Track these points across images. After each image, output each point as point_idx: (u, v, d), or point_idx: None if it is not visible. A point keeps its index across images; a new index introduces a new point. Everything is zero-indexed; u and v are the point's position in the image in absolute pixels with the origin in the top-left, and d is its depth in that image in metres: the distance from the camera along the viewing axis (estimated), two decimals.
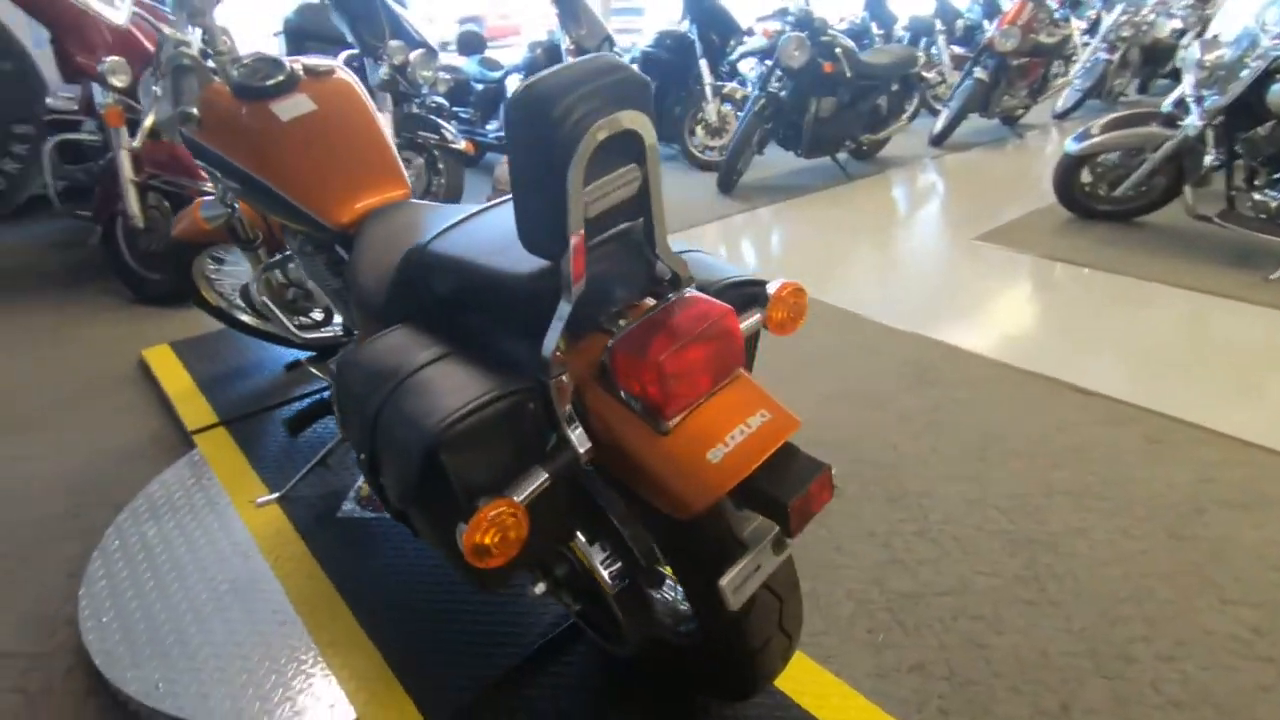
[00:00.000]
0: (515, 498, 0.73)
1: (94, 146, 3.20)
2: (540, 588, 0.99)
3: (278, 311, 1.74)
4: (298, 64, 1.34)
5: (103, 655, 1.29)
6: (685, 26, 4.92)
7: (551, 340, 0.75)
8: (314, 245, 1.38)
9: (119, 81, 2.66)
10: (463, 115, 5.03)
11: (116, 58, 2.65)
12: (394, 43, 3.51)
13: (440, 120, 3.67)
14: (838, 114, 4.44)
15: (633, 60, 5.27)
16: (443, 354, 0.83)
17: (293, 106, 1.28)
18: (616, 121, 0.69)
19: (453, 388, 0.77)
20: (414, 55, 3.58)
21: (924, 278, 3.13)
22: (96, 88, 2.72)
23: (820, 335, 2.58)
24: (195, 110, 1.25)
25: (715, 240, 3.71)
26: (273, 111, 1.26)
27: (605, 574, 0.86)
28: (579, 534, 0.88)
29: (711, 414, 0.77)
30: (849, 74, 4.26)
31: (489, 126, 4.89)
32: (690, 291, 0.82)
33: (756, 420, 0.77)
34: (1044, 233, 3.60)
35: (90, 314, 2.86)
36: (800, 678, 1.25)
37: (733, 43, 4.93)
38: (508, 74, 4.78)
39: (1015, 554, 1.57)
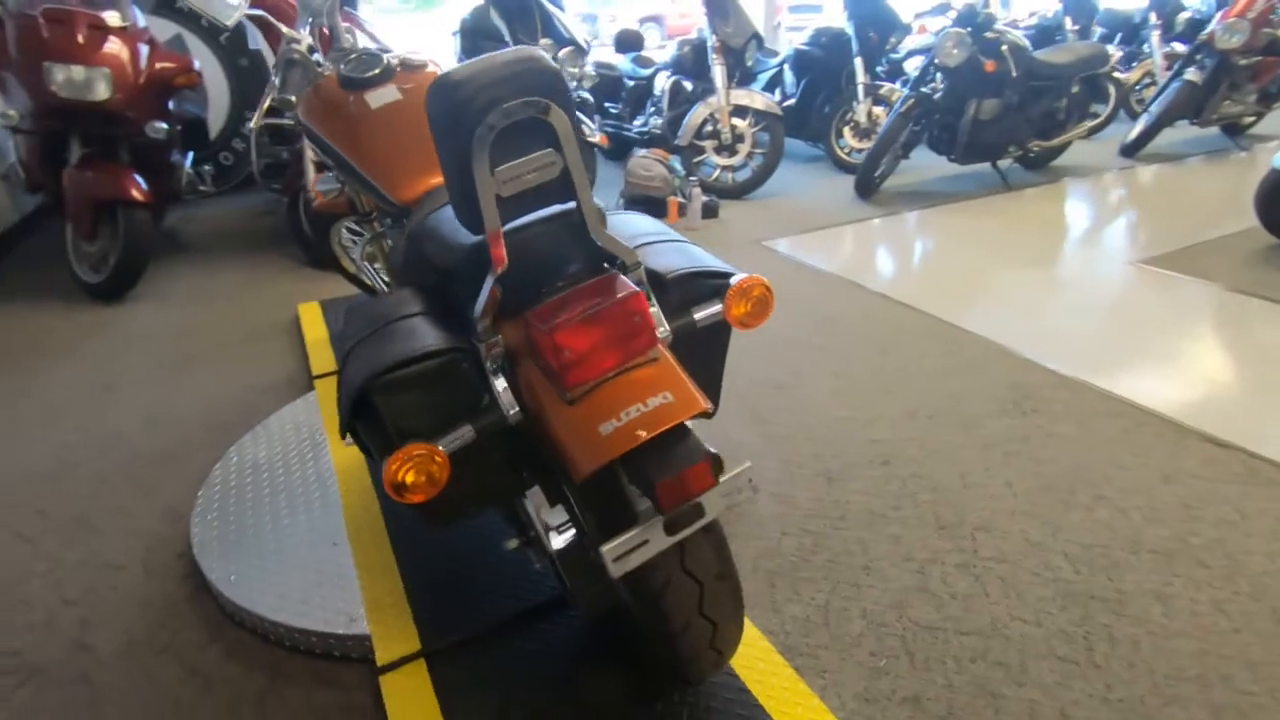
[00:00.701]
0: (439, 445, 0.81)
1: (295, 131, 3.76)
2: (513, 543, 1.07)
3: (381, 276, 1.97)
4: (396, 59, 1.53)
5: (199, 545, 1.56)
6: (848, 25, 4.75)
7: (479, 306, 0.82)
8: (390, 219, 1.56)
9: None
10: (612, 110, 5.24)
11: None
12: (544, 40, 3.75)
13: (580, 114, 3.86)
14: (1001, 117, 4.08)
15: (784, 60, 5.19)
16: (417, 313, 0.93)
17: (382, 96, 1.46)
18: (516, 109, 0.75)
19: (403, 340, 0.87)
20: (562, 52, 3.80)
21: (1069, 299, 2.82)
22: None
23: (924, 348, 2.44)
24: (294, 99, 1.47)
25: (842, 244, 3.58)
26: (365, 100, 1.45)
27: (544, 533, 0.92)
28: (527, 494, 0.95)
29: (615, 390, 0.80)
30: (1015, 73, 3.90)
31: (635, 121, 5.05)
32: (613, 273, 0.85)
33: (656, 400, 0.79)
34: (1235, 260, 3.09)
35: (272, 273, 3.38)
36: (773, 683, 1.23)
37: (894, 40, 4.69)
38: (657, 71, 4.90)
39: (1068, 607, 1.41)
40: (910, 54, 5.19)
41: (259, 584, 1.44)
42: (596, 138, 3.80)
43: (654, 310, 0.90)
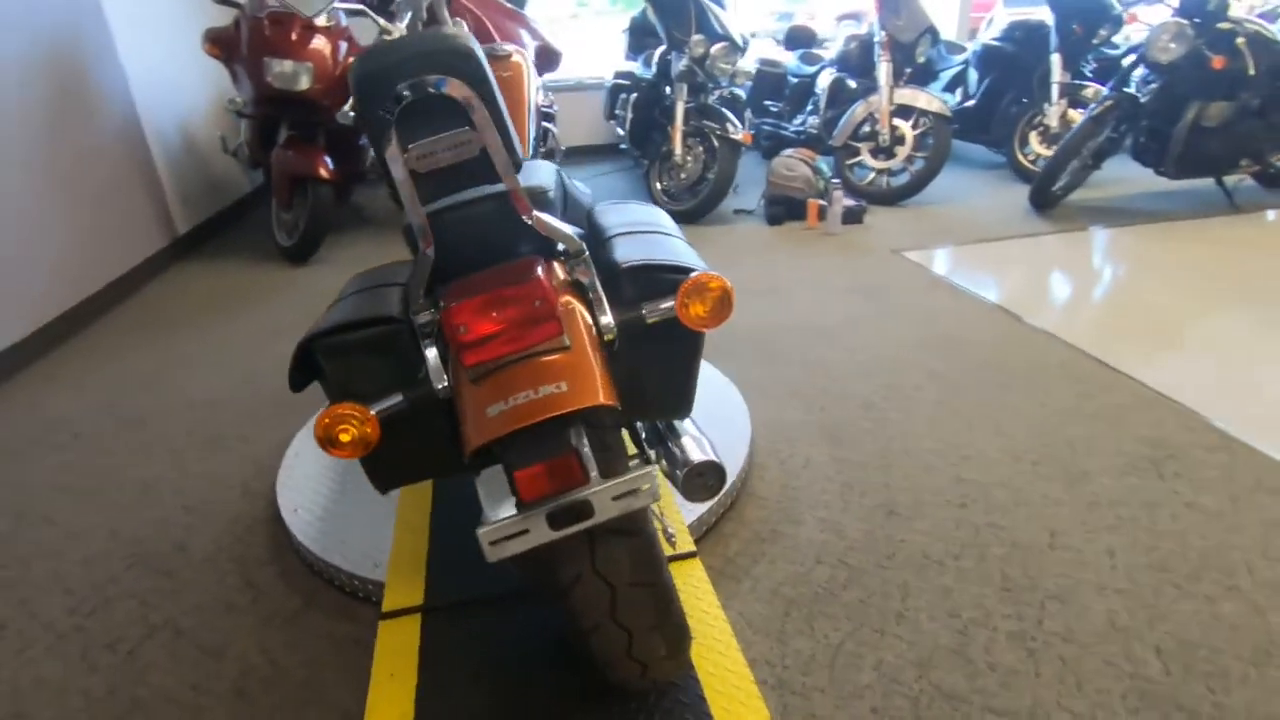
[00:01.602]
0: (370, 408, 0.85)
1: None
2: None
3: None
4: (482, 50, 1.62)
5: (282, 478, 1.78)
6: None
7: (414, 280, 0.84)
8: None
9: None
10: (772, 108, 5.11)
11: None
12: (696, 36, 3.74)
13: (728, 112, 3.82)
14: (1233, 123, 3.41)
15: (970, 57, 4.74)
16: (391, 283, 0.98)
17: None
18: (420, 85, 0.75)
19: (357, 306, 0.92)
20: (715, 48, 3.78)
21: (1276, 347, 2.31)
22: None
23: (1057, 386, 2.12)
24: None
25: (996, 260, 3.21)
26: None
27: (484, 511, 0.93)
28: (484, 473, 0.96)
29: (513, 374, 0.78)
30: (1254, 71, 3.23)
31: (795, 120, 4.89)
32: (533, 257, 0.83)
33: (547, 389, 0.76)
34: None
35: None
36: (740, 713, 1.15)
37: (1103, 33, 4.09)
38: (822, 69, 4.70)
39: (1140, 710, 1.16)
40: (1129, 50, 4.50)
41: (315, 520, 1.61)
42: (739, 135, 3.74)
43: (598, 301, 0.87)
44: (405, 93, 0.75)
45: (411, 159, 0.78)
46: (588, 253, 0.88)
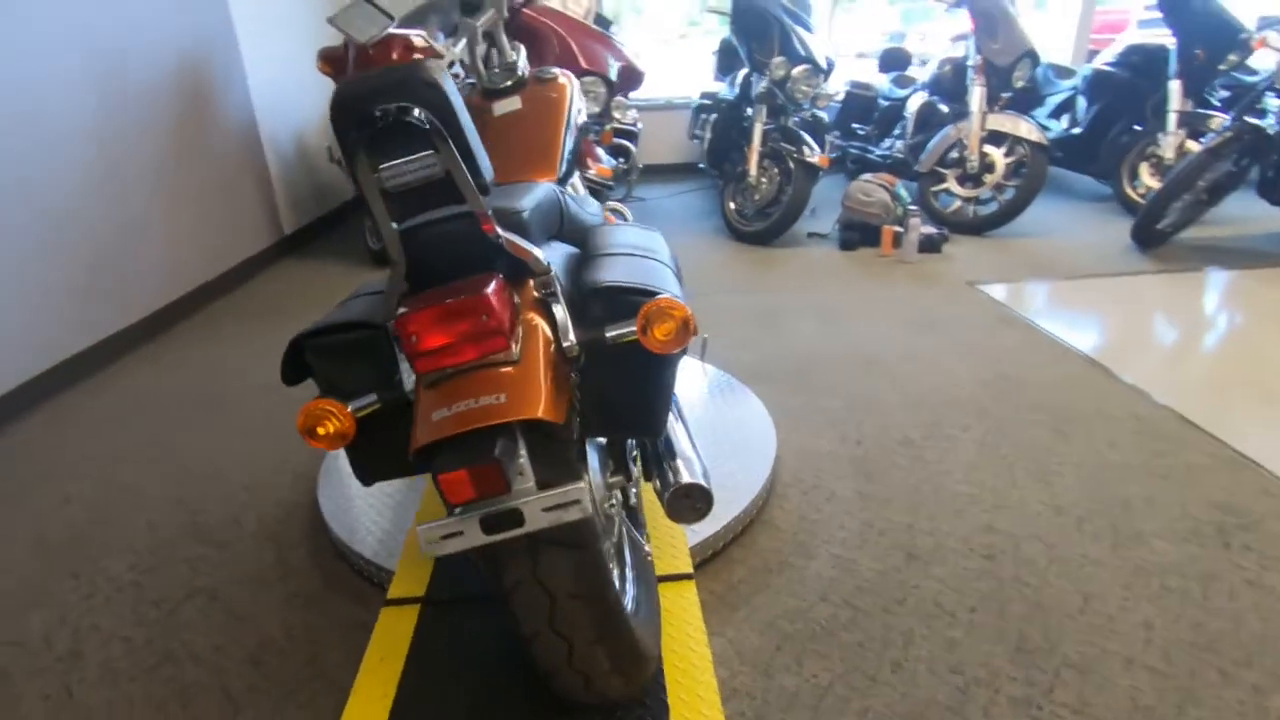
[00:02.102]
0: (347, 404, 0.91)
1: None
2: None
3: None
4: (532, 73, 1.69)
5: (326, 464, 1.91)
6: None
7: (388, 291, 0.90)
8: None
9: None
10: (859, 131, 4.99)
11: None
12: (777, 59, 3.74)
13: (806, 135, 3.77)
14: None
15: (1073, 86, 4.46)
16: (383, 291, 1.04)
17: (506, 105, 1.63)
18: (387, 112, 0.80)
19: (349, 309, 0.99)
20: (796, 71, 3.75)
21: None
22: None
23: (1123, 438, 1.97)
24: None
25: (1082, 298, 3.00)
26: (493, 108, 1.64)
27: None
28: None
29: (461, 383, 0.82)
30: None
31: (883, 144, 4.76)
32: (490, 274, 0.87)
33: (487, 399, 0.79)
34: None
35: None
36: None
37: (1232, 59, 3.75)
38: (913, 92, 4.55)
39: None
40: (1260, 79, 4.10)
41: (347, 507, 1.72)
42: (815, 158, 3.68)
43: (562, 319, 0.90)
44: (376, 114, 0.81)
45: (382, 179, 0.84)
46: (553, 272, 0.92)
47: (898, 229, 3.61)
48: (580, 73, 3.55)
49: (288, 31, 4.26)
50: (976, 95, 3.79)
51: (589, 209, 1.31)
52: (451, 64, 1.70)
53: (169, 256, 3.16)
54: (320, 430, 0.90)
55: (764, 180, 3.91)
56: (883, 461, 1.91)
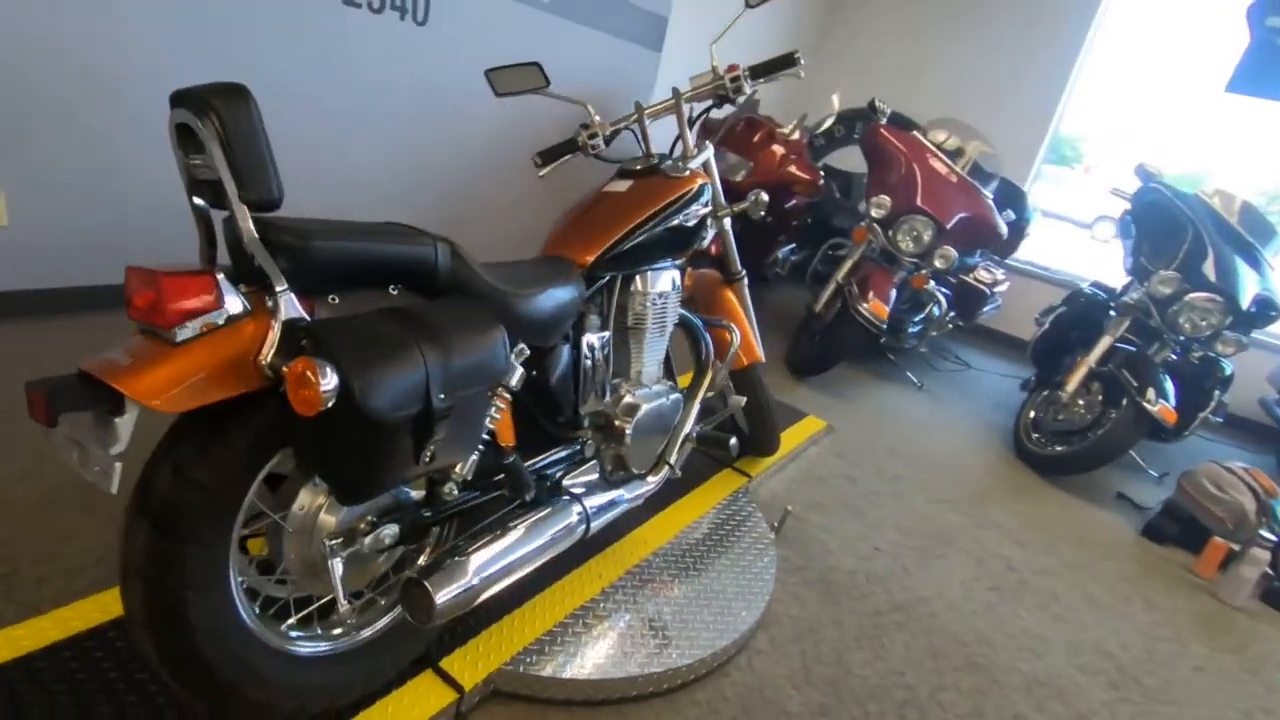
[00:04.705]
0: None
1: None
2: None
3: None
4: (668, 165, 1.66)
5: None
6: None
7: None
8: None
9: (877, 213, 3.34)
10: None
11: (884, 196, 3.32)
12: (1166, 272, 2.92)
13: (1165, 377, 2.85)
14: None
15: None
16: None
17: (617, 185, 1.64)
18: (179, 111, 0.88)
19: None
20: (1194, 297, 2.86)
21: None
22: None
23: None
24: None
25: None
26: (611, 183, 1.66)
27: None
28: None
29: (134, 338, 0.89)
30: None
31: None
32: (213, 268, 0.90)
33: (122, 360, 0.86)
34: None
35: None
36: None
37: None
38: None
39: None
40: None
41: None
42: (1156, 408, 2.74)
43: (270, 339, 0.92)
44: (172, 111, 0.94)
45: (191, 166, 0.97)
46: (284, 289, 0.93)
47: (1233, 546, 2.46)
48: (910, 209, 3.28)
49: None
50: None
51: (495, 283, 1.25)
52: (592, 136, 1.78)
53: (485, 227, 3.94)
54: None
55: (1079, 404, 3.06)
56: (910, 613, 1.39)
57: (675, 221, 1.61)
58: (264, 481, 1.10)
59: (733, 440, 1.86)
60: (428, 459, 1.04)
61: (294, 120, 2.81)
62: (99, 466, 0.87)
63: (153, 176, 2.51)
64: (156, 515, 0.93)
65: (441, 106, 3.31)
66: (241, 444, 0.97)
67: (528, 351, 1.28)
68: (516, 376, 1.24)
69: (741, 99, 1.80)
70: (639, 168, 1.69)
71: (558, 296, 1.37)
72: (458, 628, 1.44)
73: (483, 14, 3.27)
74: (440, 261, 1.12)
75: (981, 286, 4.15)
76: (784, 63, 1.75)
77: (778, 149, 3.88)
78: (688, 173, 1.67)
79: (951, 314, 4.21)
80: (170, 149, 0.95)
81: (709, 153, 1.87)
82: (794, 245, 4.39)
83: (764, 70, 1.77)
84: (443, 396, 1.00)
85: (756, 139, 3.90)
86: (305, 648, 1.15)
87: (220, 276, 0.92)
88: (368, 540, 1.14)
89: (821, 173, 4.25)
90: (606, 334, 1.57)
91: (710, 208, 1.73)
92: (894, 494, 2.60)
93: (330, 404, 0.88)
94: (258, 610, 1.10)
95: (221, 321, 0.92)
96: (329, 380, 0.87)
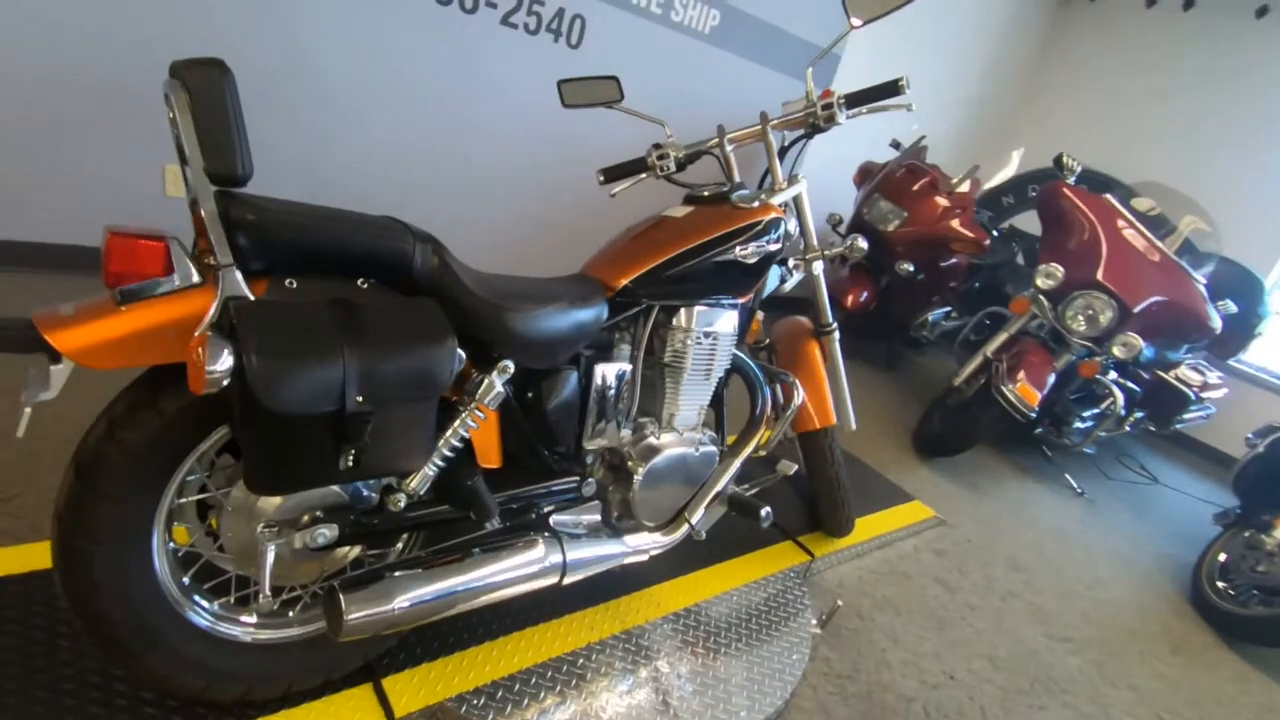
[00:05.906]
0: None
1: None
2: None
3: None
4: (740, 196, 1.49)
5: None
6: None
7: None
8: None
9: (1044, 283, 2.88)
10: None
11: (1055, 265, 2.86)
12: None
13: None
14: None
15: None
16: None
17: (677, 210, 1.50)
18: (170, 78, 0.88)
19: None
20: None
21: None
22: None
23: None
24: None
25: None
26: (676, 207, 1.53)
27: None
28: None
29: (99, 298, 0.92)
30: None
31: None
32: (165, 236, 0.90)
33: (67, 309, 0.88)
34: None
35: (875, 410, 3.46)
36: None
37: None
38: None
39: None
40: None
41: None
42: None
43: (206, 315, 0.91)
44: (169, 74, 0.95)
45: (175, 136, 0.98)
46: (228, 264, 0.91)
47: None
48: (1087, 283, 2.79)
49: (863, 145, 4.47)
50: None
51: (482, 278, 1.16)
52: (661, 158, 1.65)
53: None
54: None
55: None
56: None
57: (731, 256, 1.45)
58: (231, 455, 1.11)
59: (764, 510, 1.63)
60: (349, 464, 0.98)
61: (446, 136, 3.01)
62: (22, 409, 0.91)
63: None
64: (82, 464, 0.95)
65: (584, 128, 3.37)
66: (170, 411, 0.97)
67: (511, 369, 1.19)
68: (493, 395, 1.15)
69: (832, 127, 1.59)
70: (706, 194, 1.55)
71: (564, 317, 1.27)
72: (417, 646, 1.37)
73: (637, 41, 3.30)
74: (418, 261, 1.07)
75: (1184, 388, 3.43)
76: (887, 90, 1.53)
77: (940, 201, 3.50)
78: (757, 204, 1.50)
79: (1139, 415, 3.52)
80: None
81: (801, 187, 1.68)
82: (949, 309, 3.92)
83: (863, 99, 1.56)
84: (360, 399, 0.93)
85: (916, 188, 3.55)
86: (226, 630, 1.13)
87: (173, 244, 0.93)
88: (302, 535, 1.10)
89: (994, 233, 3.78)
90: (629, 366, 1.44)
91: (780, 246, 1.55)
92: (998, 614, 2.16)
93: (218, 387, 0.85)
94: (187, 581, 1.10)
95: (169, 290, 0.93)
96: (221, 362, 0.84)
